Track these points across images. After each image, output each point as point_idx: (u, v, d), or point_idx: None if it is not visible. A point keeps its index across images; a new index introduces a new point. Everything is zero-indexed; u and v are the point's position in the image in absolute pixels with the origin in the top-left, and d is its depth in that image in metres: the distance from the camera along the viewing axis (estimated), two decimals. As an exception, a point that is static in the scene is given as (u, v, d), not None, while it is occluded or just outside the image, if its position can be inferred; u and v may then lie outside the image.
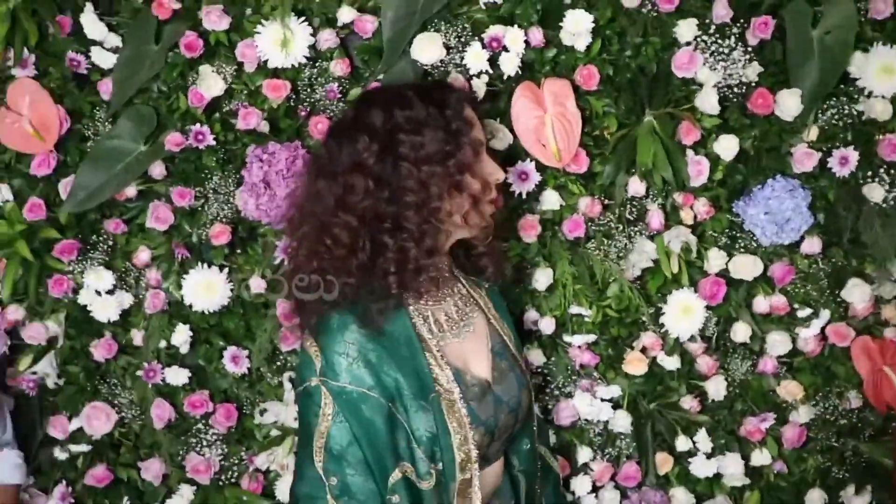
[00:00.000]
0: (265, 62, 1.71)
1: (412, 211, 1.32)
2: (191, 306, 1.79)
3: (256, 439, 1.87)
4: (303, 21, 1.70)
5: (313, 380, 1.34)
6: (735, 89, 1.73)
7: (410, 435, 1.33)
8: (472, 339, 1.45)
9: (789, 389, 1.85)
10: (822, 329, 1.84)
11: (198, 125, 1.74)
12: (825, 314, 1.83)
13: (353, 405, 1.32)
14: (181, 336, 1.81)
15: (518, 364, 1.51)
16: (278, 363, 1.84)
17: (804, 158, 1.75)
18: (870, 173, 1.79)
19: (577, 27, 1.65)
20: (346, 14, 1.71)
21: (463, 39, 1.68)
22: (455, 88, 1.45)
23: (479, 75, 1.66)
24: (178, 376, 1.83)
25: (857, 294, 1.82)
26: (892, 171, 1.80)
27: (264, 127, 1.76)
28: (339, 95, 1.74)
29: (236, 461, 1.88)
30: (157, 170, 1.78)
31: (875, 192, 1.79)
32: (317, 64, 1.75)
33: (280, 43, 1.69)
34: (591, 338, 1.76)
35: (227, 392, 1.87)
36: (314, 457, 1.33)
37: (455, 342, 1.43)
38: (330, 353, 1.33)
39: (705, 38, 1.71)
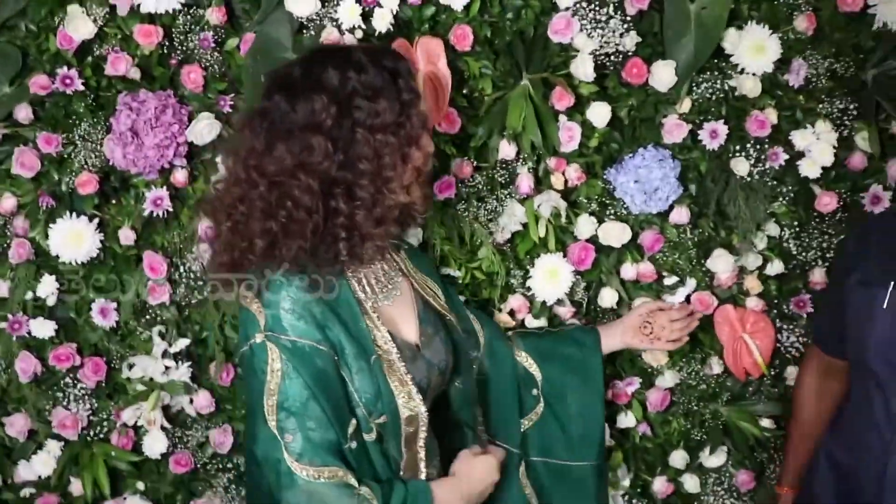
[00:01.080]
0: (138, 6, 1.67)
1: (366, 179, 1.32)
2: (58, 257, 1.74)
3: (126, 394, 1.84)
4: (178, -34, 1.65)
5: (258, 336, 1.33)
6: (612, 58, 1.75)
7: (354, 392, 1.35)
8: (399, 303, 1.48)
9: (655, 355, 1.90)
10: (688, 297, 1.89)
11: (65, 68, 1.69)
12: (691, 283, 1.88)
13: (306, 358, 1.31)
14: (47, 287, 1.77)
15: (444, 323, 1.55)
16: (147, 317, 1.81)
17: (674, 129, 1.78)
18: (738, 147, 1.84)
19: (455, -13, 1.64)
20: (222, -39, 1.67)
21: (339, -8, 1.65)
22: (403, 57, 1.42)
23: (352, 30, 1.64)
24: (44, 328, 1.78)
25: (721, 264, 1.87)
26: (759, 147, 1.84)
27: (135, 74, 1.71)
28: (214, 45, 1.71)
29: (105, 416, 1.85)
30: (23, 113, 1.72)
31: (741, 166, 1.83)
32: (192, 11, 1.70)
33: (155, -13, 1.64)
34: (461, 299, 1.77)
35: (96, 346, 1.84)
36: (266, 416, 1.32)
37: (386, 305, 1.45)
38: (276, 309, 1.32)
39: (584, 4, 1.71)
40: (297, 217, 1.30)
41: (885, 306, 1.52)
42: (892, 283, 1.52)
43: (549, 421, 1.73)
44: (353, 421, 1.36)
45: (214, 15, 1.69)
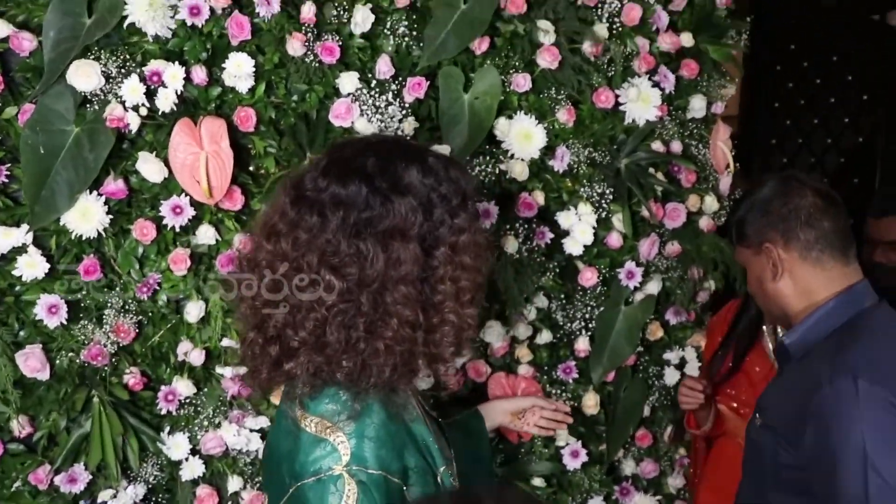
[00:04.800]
0: (-89, 71, 1.62)
1: (448, 300, 1.22)
2: None
3: None
4: (-46, 31, 1.62)
5: (336, 468, 1.20)
6: (391, 141, 1.86)
7: None
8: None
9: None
10: (463, 365, 2.01)
11: None
12: (466, 352, 2.00)
13: (380, 491, 1.20)
14: None
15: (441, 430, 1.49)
16: None
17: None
18: (507, 226, 1.99)
19: (239, 70, 1.70)
20: (1, 29, 1.65)
21: (125, 70, 1.67)
22: (468, 171, 1.32)
23: (136, 108, 1.66)
24: None
25: (494, 335, 2.01)
26: (526, 226, 2.01)
27: None
28: (-12, 112, 1.68)
29: None
30: None
31: (510, 244, 1.99)
32: (-33, 78, 1.67)
33: (-74, 52, 1.60)
34: (243, 370, 1.80)
35: None
36: None
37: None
38: (359, 439, 1.21)
39: (366, 91, 1.82)
40: (401, 334, 1.19)
41: None
42: None
43: None
44: None
45: (-10, 83, 1.66)
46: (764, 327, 2.46)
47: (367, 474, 1.20)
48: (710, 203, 2.29)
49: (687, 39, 2.19)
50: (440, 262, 1.22)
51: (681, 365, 2.30)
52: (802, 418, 1.51)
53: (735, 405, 2.47)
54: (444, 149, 1.87)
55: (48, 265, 1.68)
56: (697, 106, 2.24)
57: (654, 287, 2.19)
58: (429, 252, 1.21)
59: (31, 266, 1.67)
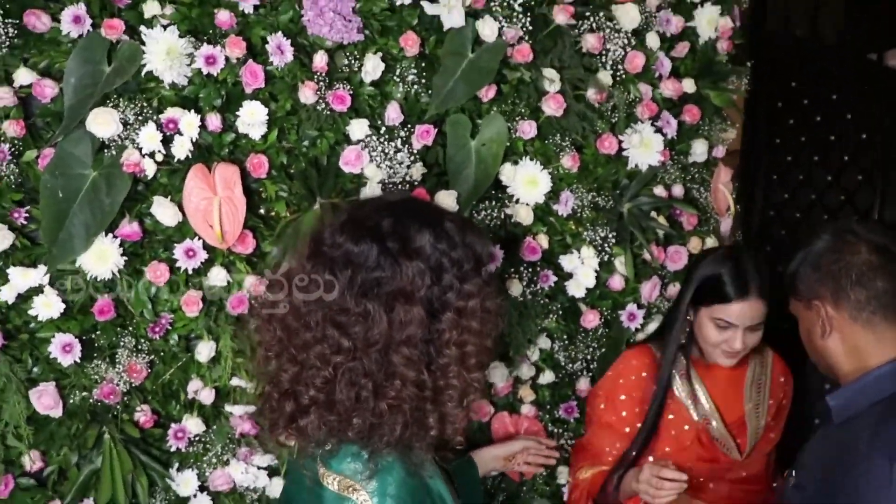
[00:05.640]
0: (-66, 116, 1.67)
1: (453, 363, 1.23)
2: None
3: None
4: (-24, 77, 1.67)
5: None
6: (399, 186, 1.91)
7: None
8: None
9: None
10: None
11: None
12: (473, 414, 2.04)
13: None
14: None
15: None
16: None
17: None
18: (512, 270, 2.03)
19: (252, 118, 1.75)
20: (24, 76, 1.70)
21: (142, 117, 1.72)
22: (484, 235, 1.33)
23: (152, 155, 1.71)
24: None
25: (497, 375, 2.04)
26: (531, 270, 2.05)
27: (-73, 182, 1.70)
28: (10, 157, 1.72)
29: None
30: None
31: (515, 287, 2.03)
32: (-10, 122, 1.72)
33: (-51, 97, 1.65)
34: (251, 408, 1.84)
35: None
36: None
37: None
38: (382, 498, 1.22)
39: (375, 137, 1.87)
40: (405, 394, 1.20)
41: None
42: None
43: None
44: None
45: (12, 127, 1.70)
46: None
47: None
48: (711, 245, 2.33)
49: (689, 86, 2.24)
50: (446, 326, 1.23)
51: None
52: (835, 486, 1.46)
53: None
54: (450, 195, 1.92)
55: (63, 305, 1.72)
56: (699, 150, 2.29)
57: (654, 328, 2.23)
58: (435, 315, 1.22)
59: (47, 306, 1.71)
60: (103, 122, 1.69)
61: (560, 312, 2.12)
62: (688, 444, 2.01)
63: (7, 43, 1.69)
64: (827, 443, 1.59)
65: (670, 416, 2.01)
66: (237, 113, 1.77)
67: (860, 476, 1.42)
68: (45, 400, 1.73)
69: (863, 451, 1.43)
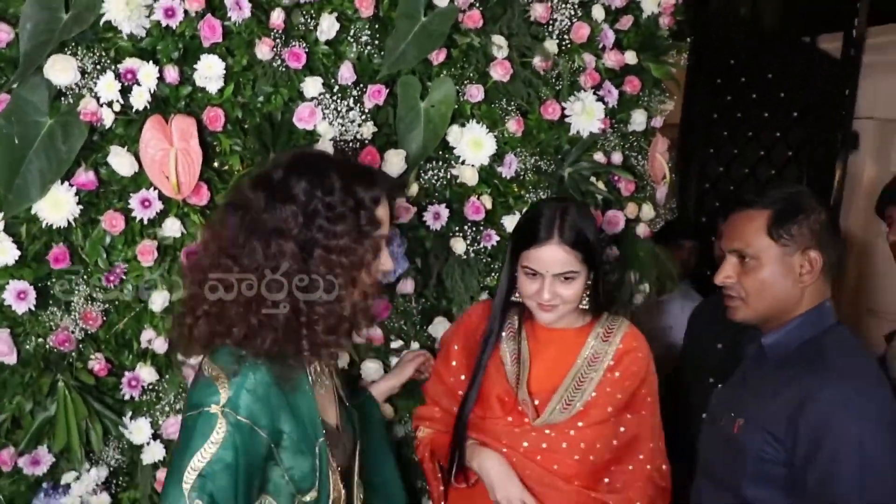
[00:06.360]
0: None
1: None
2: None
3: None
4: (-70, 21, 1.67)
5: (213, 407, 1.41)
6: (351, 144, 1.97)
7: (282, 471, 1.48)
8: (327, 391, 1.63)
9: (385, 411, 2.10)
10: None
11: None
12: (415, 345, 2.12)
13: (243, 437, 1.41)
14: None
15: (350, 412, 1.72)
16: None
17: (403, 211, 2.03)
18: (457, 228, 2.11)
19: (210, 71, 1.79)
20: (-22, 20, 1.71)
21: (100, 66, 1.74)
22: (376, 185, 1.52)
23: (110, 104, 1.74)
24: None
25: (441, 329, 2.13)
26: (475, 229, 2.13)
27: None
28: (-37, 103, 1.73)
29: None
30: None
31: (459, 245, 2.12)
32: (-58, 67, 1.72)
33: None
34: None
35: None
36: (184, 477, 1.39)
37: (320, 393, 1.59)
38: (238, 388, 1.42)
39: (328, 95, 1.92)
40: (269, 312, 1.43)
41: None
42: None
43: None
44: (270, 499, 1.49)
45: (-36, 74, 1.72)
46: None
47: (237, 419, 1.41)
48: (647, 211, 2.44)
49: (631, 57, 2.34)
50: (318, 261, 1.45)
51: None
52: (794, 422, 1.64)
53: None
54: (399, 154, 1.99)
55: (18, 252, 1.75)
56: (638, 120, 2.39)
57: (592, 289, 2.34)
58: (308, 251, 1.45)
59: (2, 253, 1.73)
60: (61, 70, 1.70)
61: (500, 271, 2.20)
62: (495, 403, 1.93)
63: (-39, -13, 1.70)
64: (770, 384, 1.76)
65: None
66: (195, 66, 1.80)
67: (819, 408, 1.63)
68: (0, 346, 1.75)
69: (815, 386, 1.65)
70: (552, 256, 1.82)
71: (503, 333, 1.97)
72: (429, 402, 2.06)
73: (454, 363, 2.01)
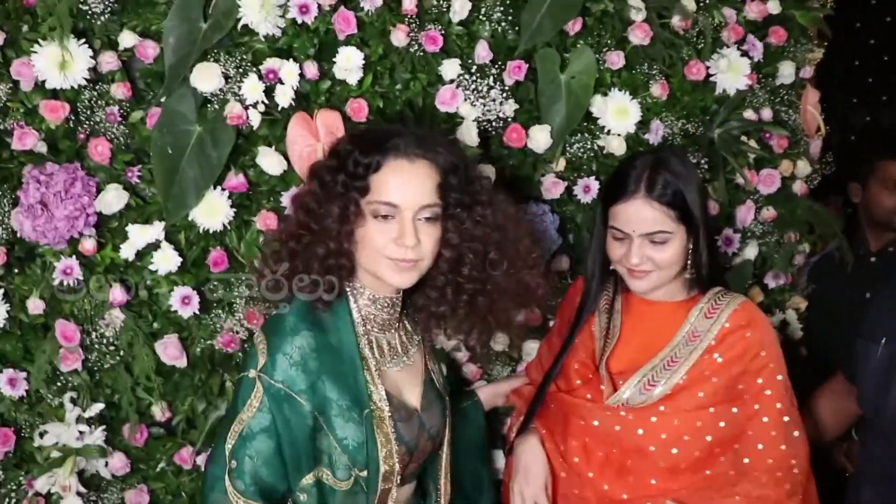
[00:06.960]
0: (43, 82, 1.72)
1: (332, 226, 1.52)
2: (-37, 327, 1.76)
3: (37, 462, 1.84)
4: (83, 43, 1.72)
5: (251, 372, 1.47)
6: (493, 123, 1.93)
7: (335, 442, 1.48)
8: (408, 370, 1.63)
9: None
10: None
11: (-31, 143, 1.73)
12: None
13: (278, 403, 1.45)
14: (-49, 358, 1.78)
15: (443, 400, 1.69)
16: (59, 384, 1.83)
17: (552, 187, 1.98)
18: (607, 200, 2.04)
19: (349, 63, 1.78)
20: (127, 38, 1.75)
21: (241, 70, 1.76)
22: (384, 150, 1.52)
23: (255, 105, 1.75)
24: (-51, 401, 1.79)
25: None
26: (627, 199, 2.05)
27: (41, 147, 1.76)
28: (120, 118, 1.78)
29: (14, 486, 1.85)
30: (-72, 187, 1.74)
31: (612, 217, 2.04)
32: (97, 86, 1.77)
33: (59, 64, 1.70)
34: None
35: (3, 416, 1.85)
36: (228, 437, 1.46)
37: (394, 369, 1.59)
38: (275, 352, 1.46)
39: (467, 76, 1.88)
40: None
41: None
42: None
43: None
44: (326, 472, 1.50)
45: (119, 90, 1.76)
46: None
47: (270, 383, 1.45)
48: (803, 167, 2.30)
49: (774, 7, 2.20)
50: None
51: (782, 327, 2.32)
52: None
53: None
54: (543, 129, 1.93)
55: (180, 259, 1.79)
56: (786, 72, 2.25)
57: (751, 252, 2.23)
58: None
59: (166, 260, 1.78)
60: (206, 77, 1.73)
61: (658, 241, 2.11)
62: (573, 376, 1.78)
63: (108, 10, 1.74)
64: None
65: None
66: (333, 60, 1.79)
67: None
68: (171, 351, 1.80)
69: None
70: (639, 213, 1.62)
71: (599, 305, 1.80)
72: (529, 380, 1.99)
73: (554, 339, 1.89)
